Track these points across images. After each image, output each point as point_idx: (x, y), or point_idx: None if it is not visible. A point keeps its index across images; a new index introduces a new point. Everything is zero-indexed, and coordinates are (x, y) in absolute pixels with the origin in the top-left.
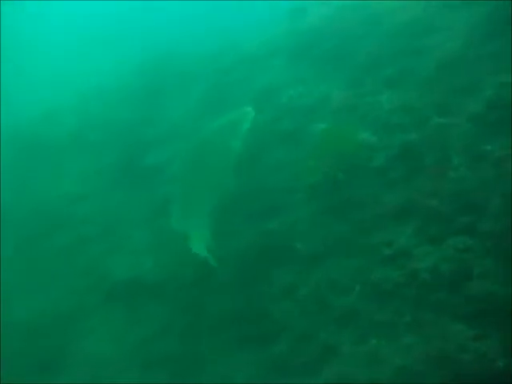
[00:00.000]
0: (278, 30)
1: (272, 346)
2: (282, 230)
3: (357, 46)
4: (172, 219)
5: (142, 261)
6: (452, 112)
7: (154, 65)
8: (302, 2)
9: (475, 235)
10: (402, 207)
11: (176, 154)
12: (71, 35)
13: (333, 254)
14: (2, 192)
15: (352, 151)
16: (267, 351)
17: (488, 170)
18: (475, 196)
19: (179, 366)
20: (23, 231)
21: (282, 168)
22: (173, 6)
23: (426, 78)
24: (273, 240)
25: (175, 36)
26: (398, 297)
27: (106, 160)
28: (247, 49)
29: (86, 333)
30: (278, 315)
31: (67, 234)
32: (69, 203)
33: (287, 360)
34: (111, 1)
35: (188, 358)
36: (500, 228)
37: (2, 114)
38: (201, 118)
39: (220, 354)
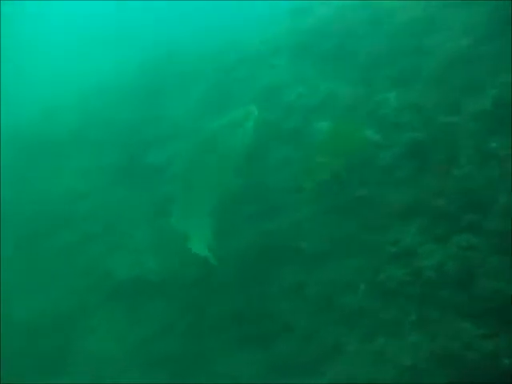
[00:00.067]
0: (278, 30)
1: (275, 345)
2: (285, 229)
3: (358, 45)
4: (173, 218)
5: (143, 260)
6: (458, 111)
7: (154, 64)
8: (303, 1)
9: (481, 233)
10: (408, 206)
11: (177, 153)
12: (71, 35)
13: (337, 252)
14: (2, 191)
15: (358, 150)
16: (270, 351)
17: (494, 169)
18: (481, 194)
19: (180, 365)
20: (23, 230)
21: (287, 167)
22: (173, 5)
23: (430, 77)
24: (276, 239)
25: (176, 35)
26: (403, 295)
27: (107, 159)
28: (248, 48)
29: (87, 332)
30: (281, 314)
31: (68, 232)
32: (69, 202)
33: (291, 360)
34: (111, 1)
35: (189, 357)
36: (506, 226)
37: (2, 113)
38: (201, 118)
39: (222, 353)
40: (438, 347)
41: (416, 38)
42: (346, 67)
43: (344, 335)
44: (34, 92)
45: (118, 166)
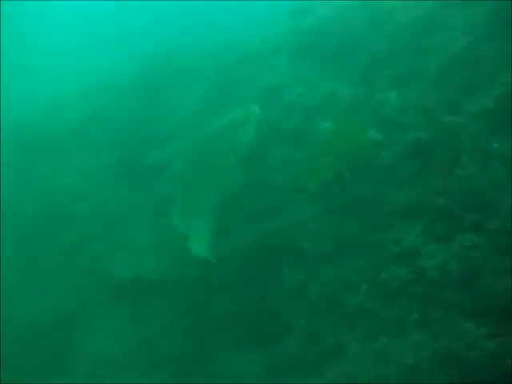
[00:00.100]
0: (278, 30)
1: (276, 345)
2: (286, 228)
3: (359, 45)
4: (173, 218)
5: (143, 260)
6: (459, 110)
7: (154, 63)
8: (303, 1)
9: (483, 233)
10: (410, 205)
11: (177, 153)
12: (71, 35)
13: (340, 252)
14: (2, 189)
15: (360, 149)
16: (270, 351)
17: (497, 169)
18: (484, 194)
19: (180, 365)
20: (23, 230)
21: (288, 167)
22: (173, 5)
23: (430, 77)
24: (277, 239)
25: (176, 35)
26: (405, 295)
27: (107, 159)
28: (248, 48)
29: (87, 332)
30: (282, 315)
31: (68, 232)
32: (69, 202)
33: (291, 360)
34: (111, 1)
35: (189, 357)
36: (509, 226)
37: (2, 112)
38: (202, 117)
39: (222, 353)
40: (441, 347)
41: (416, 37)
42: (346, 67)
43: (346, 335)
44: (34, 91)
45: (118, 166)
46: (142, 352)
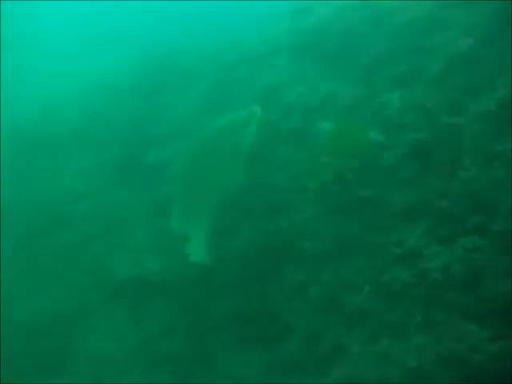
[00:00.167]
0: (278, 30)
1: (277, 345)
2: (287, 229)
3: (359, 45)
4: (173, 219)
5: (143, 260)
6: (461, 111)
7: (154, 63)
8: (303, 1)
9: (486, 235)
10: (412, 207)
11: (177, 152)
12: (71, 34)
13: (340, 252)
14: (2, 189)
15: (361, 150)
16: (271, 351)
17: (499, 170)
18: (486, 196)
19: (180, 365)
20: (23, 229)
21: (289, 167)
22: (173, 5)
23: (431, 77)
24: (278, 239)
25: (176, 35)
26: (407, 297)
27: (107, 159)
28: (248, 48)
29: (87, 332)
30: (282, 315)
31: (68, 232)
32: (69, 202)
33: (293, 360)
34: (111, 0)
35: (189, 357)
36: (511, 228)
37: (2, 111)
38: (202, 117)
39: (222, 353)
40: (444, 349)
41: (416, 37)
42: (346, 67)
43: (347, 336)
44: (34, 91)
45: (118, 166)
46: (142, 352)
